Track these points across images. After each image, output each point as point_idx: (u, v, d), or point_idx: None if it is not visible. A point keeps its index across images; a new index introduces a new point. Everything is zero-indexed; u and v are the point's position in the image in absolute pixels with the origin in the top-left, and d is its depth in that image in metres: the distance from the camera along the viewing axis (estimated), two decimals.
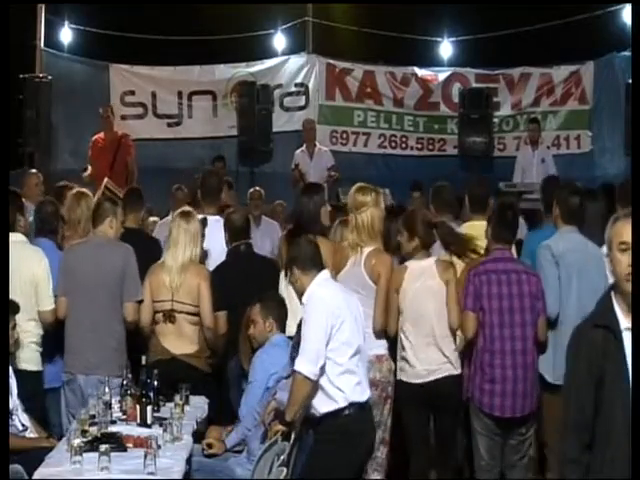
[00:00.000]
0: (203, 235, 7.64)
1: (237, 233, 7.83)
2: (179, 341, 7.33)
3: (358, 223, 7.05)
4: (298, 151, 14.66)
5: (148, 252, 7.78)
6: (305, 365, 5.72)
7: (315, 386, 5.79)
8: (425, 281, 6.91)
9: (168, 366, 7.07)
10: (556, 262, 6.95)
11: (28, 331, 7.23)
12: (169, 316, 7.35)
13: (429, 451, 7.03)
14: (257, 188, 12.42)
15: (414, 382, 6.89)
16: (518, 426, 6.84)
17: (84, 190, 8.55)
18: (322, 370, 5.78)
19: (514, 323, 6.76)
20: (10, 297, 7.02)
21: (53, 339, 7.47)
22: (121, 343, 7.35)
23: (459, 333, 6.94)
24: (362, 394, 5.90)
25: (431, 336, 6.90)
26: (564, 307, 6.92)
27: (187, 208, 7.81)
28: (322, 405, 5.86)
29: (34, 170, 11.04)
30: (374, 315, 6.93)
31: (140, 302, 7.38)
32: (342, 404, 5.82)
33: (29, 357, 7.22)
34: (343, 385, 5.82)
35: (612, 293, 4.11)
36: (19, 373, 6.85)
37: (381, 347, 6.99)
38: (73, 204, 8.12)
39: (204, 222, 7.85)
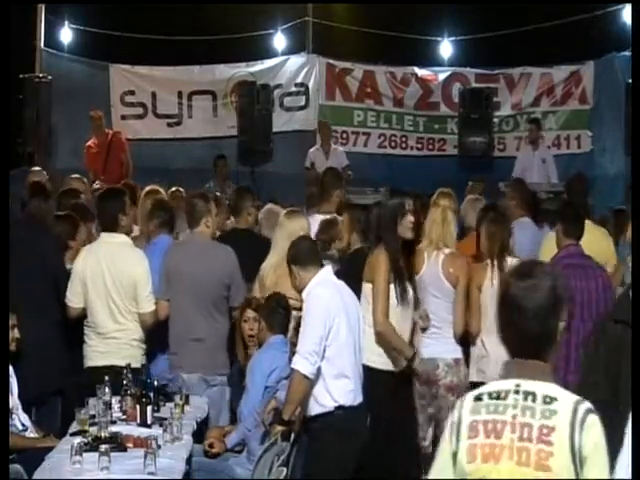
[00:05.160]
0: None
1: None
2: None
3: (447, 226, 7.09)
4: (312, 149, 14.78)
5: (258, 252, 7.76)
6: (302, 363, 5.72)
7: (312, 385, 5.79)
8: None
9: None
10: None
11: (129, 329, 7.18)
12: None
13: None
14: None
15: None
16: None
17: (156, 187, 8.81)
18: (318, 371, 5.77)
19: (584, 317, 6.94)
20: (110, 295, 7.11)
21: (154, 339, 7.45)
22: (223, 342, 7.40)
23: None
24: (354, 400, 5.90)
25: None
26: None
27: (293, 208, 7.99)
28: (311, 408, 5.87)
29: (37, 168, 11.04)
30: (454, 319, 6.92)
31: None
32: (330, 408, 5.83)
33: (131, 354, 7.09)
34: (335, 390, 5.82)
35: (630, 290, 4.17)
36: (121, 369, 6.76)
37: (458, 351, 6.95)
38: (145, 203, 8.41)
39: None
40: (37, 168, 11.48)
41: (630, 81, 12.56)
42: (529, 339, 3.28)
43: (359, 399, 5.94)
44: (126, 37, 15.34)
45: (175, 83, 16.16)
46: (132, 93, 16.07)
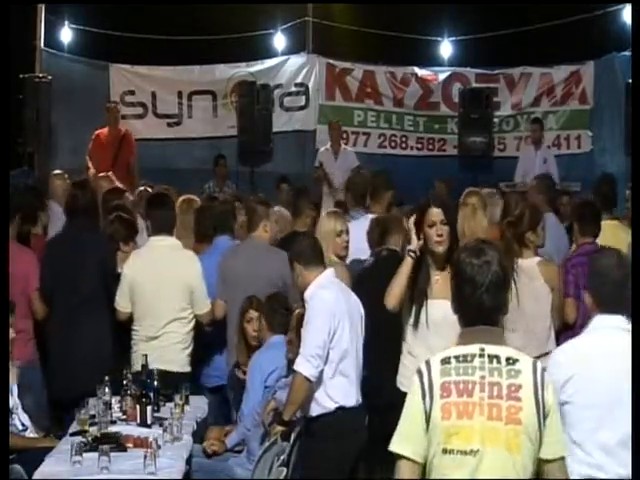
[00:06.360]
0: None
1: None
2: None
3: (478, 221, 7.50)
4: (322, 149, 14.81)
5: None
6: (305, 366, 5.71)
7: (314, 387, 5.79)
8: (528, 282, 6.76)
9: None
10: None
11: (172, 332, 7.23)
12: None
13: None
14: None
15: None
16: None
17: (192, 197, 8.74)
18: (320, 372, 5.77)
19: None
20: (158, 299, 7.17)
21: (212, 339, 7.56)
22: None
23: None
24: (354, 400, 5.90)
25: (527, 336, 6.86)
26: None
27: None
28: (312, 409, 5.87)
29: (58, 171, 10.94)
30: None
31: None
32: (331, 409, 5.83)
33: (174, 359, 7.14)
34: (335, 390, 5.81)
35: None
36: (164, 375, 6.72)
37: None
38: (183, 209, 8.34)
39: None
40: (58, 171, 11.21)
41: (630, 81, 12.56)
42: (484, 310, 3.67)
43: (359, 400, 5.95)
44: (126, 37, 15.33)
45: (175, 83, 16.16)
46: (132, 93, 16.07)
